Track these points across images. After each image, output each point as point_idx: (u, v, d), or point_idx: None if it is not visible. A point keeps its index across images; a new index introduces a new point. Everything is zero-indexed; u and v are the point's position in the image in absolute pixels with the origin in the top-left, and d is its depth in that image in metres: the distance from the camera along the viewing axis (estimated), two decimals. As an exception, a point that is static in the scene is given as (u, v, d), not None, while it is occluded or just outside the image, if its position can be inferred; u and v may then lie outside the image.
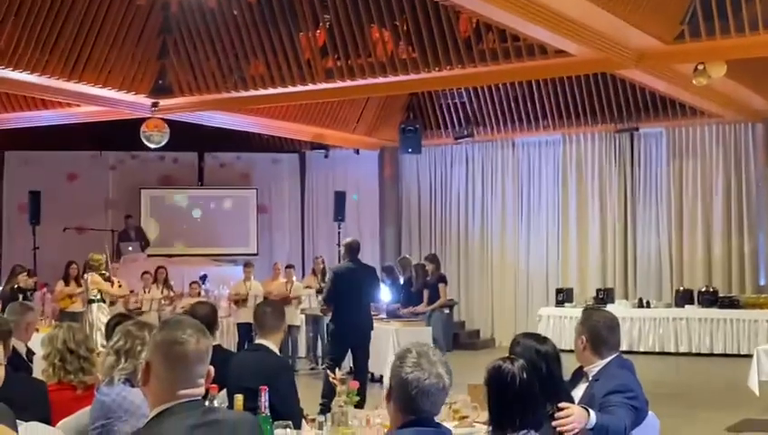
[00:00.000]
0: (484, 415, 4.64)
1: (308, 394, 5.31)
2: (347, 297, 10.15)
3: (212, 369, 2.74)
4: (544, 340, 4.19)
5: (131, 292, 15.28)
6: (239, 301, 14.94)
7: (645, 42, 11.32)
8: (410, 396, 2.96)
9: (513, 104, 18.00)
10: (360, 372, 9.60)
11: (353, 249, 10.54)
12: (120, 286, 13.82)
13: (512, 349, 4.15)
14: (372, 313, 11.19)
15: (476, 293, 19.02)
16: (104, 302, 13.27)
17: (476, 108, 18.39)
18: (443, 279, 13.95)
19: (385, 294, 13.70)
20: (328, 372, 6.48)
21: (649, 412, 4.46)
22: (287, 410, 4.75)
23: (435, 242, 19.36)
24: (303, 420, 4.89)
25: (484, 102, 18.22)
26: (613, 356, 4.52)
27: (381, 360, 11.57)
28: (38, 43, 12.47)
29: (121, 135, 17.36)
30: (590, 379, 4.49)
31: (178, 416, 2.59)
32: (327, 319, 12.91)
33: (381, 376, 11.23)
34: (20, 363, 5.60)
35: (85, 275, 13.23)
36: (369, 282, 10.73)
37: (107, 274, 13.29)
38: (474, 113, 18.50)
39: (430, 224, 19.63)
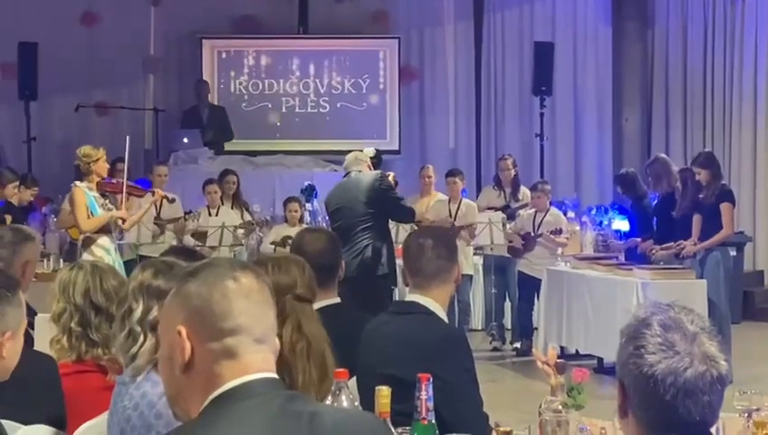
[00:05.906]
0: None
1: (491, 392, 4.51)
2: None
3: None
4: None
5: (186, 215, 11.72)
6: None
7: None
8: (662, 401, 2.21)
9: None
10: None
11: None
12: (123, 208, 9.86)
13: None
14: (558, 252, 10.34)
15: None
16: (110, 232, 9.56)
17: None
18: (727, 196, 11.36)
19: (622, 223, 12.09)
20: (534, 351, 5.27)
21: None
22: (462, 412, 3.77)
23: (711, 132, 15.28)
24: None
25: None
26: None
27: (616, 334, 7.73)
28: None
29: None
30: None
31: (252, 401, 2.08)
32: (519, 265, 11.86)
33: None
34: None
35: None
36: (360, 200, 8.52)
37: (119, 182, 9.88)
38: None
39: (704, 100, 15.25)
